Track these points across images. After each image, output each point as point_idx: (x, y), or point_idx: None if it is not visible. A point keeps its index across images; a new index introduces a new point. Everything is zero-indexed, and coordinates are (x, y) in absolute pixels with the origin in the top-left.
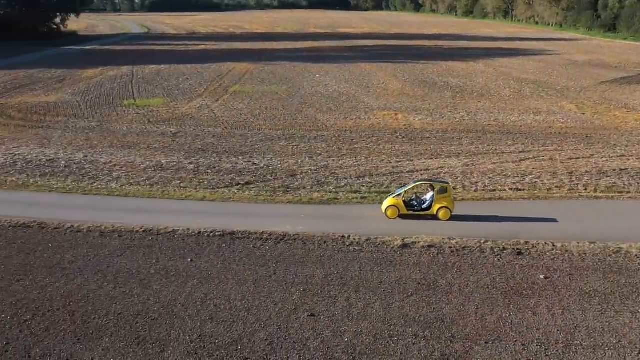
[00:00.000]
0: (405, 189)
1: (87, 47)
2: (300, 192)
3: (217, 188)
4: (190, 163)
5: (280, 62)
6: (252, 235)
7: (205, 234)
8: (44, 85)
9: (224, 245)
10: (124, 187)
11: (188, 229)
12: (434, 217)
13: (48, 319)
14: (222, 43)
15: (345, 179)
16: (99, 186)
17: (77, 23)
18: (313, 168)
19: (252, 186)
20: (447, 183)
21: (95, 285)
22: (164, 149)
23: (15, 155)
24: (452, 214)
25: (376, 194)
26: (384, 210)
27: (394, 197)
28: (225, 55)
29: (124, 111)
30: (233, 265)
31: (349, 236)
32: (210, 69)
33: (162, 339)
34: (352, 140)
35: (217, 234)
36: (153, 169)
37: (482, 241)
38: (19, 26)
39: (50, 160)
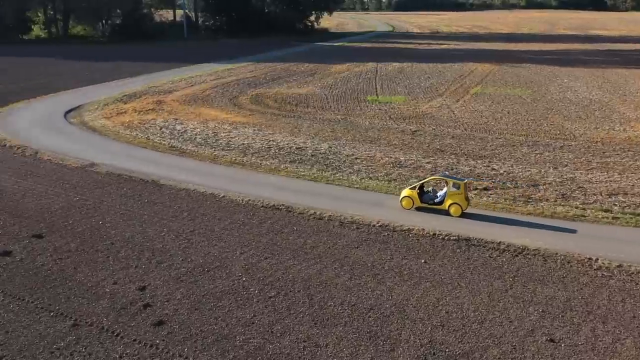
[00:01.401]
0: (421, 182)
1: (336, 44)
2: (542, 204)
3: None
4: (428, 162)
5: (525, 65)
6: (489, 245)
7: (440, 237)
8: (297, 78)
9: (458, 250)
10: (363, 180)
11: (423, 229)
12: (447, 212)
13: (289, 299)
14: (465, 43)
15: (595, 195)
16: (341, 177)
17: (329, 21)
18: (557, 179)
19: (490, 192)
20: (463, 180)
21: (332, 273)
22: (403, 146)
23: (270, 141)
24: (465, 211)
25: (631, 216)
26: (399, 200)
27: (409, 189)
28: (468, 55)
29: (367, 106)
30: (467, 273)
31: (597, 259)
32: (452, 69)
33: (392, 338)
34: (604, 153)
35: (452, 237)
36: (392, 165)
37: None
38: (279, 23)
39: (299, 148)
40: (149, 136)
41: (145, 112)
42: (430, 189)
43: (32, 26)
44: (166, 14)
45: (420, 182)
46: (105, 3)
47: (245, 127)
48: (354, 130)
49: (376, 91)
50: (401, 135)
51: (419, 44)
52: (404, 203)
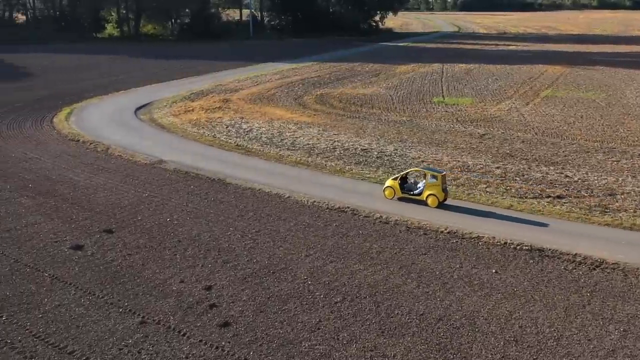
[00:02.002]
0: (402, 174)
1: (400, 44)
2: (620, 215)
3: (525, 198)
4: (497, 167)
5: (598, 67)
6: (564, 256)
7: (512, 246)
8: (362, 78)
9: (531, 261)
10: None
11: (493, 238)
12: (425, 203)
13: (355, 305)
14: (534, 44)
15: None
16: None
17: (393, 21)
18: (637, 189)
19: (564, 200)
20: (440, 173)
21: (399, 280)
22: (471, 150)
23: (335, 142)
24: (442, 202)
25: None
26: (382, 190)
27: (392, 179)
28: (537, 57)
29: (433, 108)
30: (541, 286)
31: None
32: (521, 71)
33: (463, 351)
34: None
35: (524, 247)
36: (459, 170)
37: None
38: (344, 23)
39: (365, 150)
40: (215, 134)
41: (212, 111)
42: (412, 180)
43: (106, 25)
44: (232, 14)
45: (402, 174)
46: (174, 3)
47: (310, 127)
48: (420, 133)
49: (442, 93)
50: (469, 139)
51: (486, 44)
52: (386, 193)
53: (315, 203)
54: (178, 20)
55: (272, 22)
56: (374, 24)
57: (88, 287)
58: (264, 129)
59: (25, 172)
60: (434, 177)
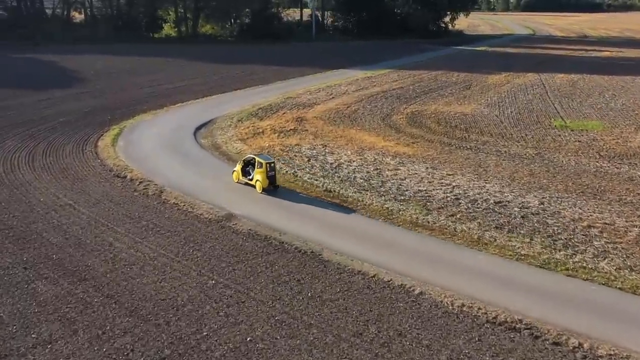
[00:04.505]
0: (245, 159)
1: (477, 48)
2: None
3: None
4: None
5: None
6: None
7: None
8: (452, 92)
9: None
10: (622, 272)
11: None
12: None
13: None
14: (627, 49)
15: None
16: (584, 265)
17: (459, 22)
18: None
19: None
20: (265, 160)
21: None
22: None
23: (454, 187)
24: (267, 189)
25: None
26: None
27: (239, 164)
28: None
29: (559, 135)
30: None
31: None
32: (637, 84)
33: None
34: None
35: None
36: None
37: None
38: (412, 24)
39: (499, 202)
40: (295, 171)
41: (286, 134)
42: (251, 166)
43: (163, 25)
44: (292, 14)
45: (244, 159)
46: (235, 2)
47: (413, 161)
48: (561, 175)
49: (558, 112)
50: (633, 187)
51: (573, 50)
52: (233, 176)
53: (464, 309)
54: (237, 21)
55: (336, 23)
56: (444, 25)
57: None
58: (355, 163)
59: (52, 230)
60: (260, 164)
